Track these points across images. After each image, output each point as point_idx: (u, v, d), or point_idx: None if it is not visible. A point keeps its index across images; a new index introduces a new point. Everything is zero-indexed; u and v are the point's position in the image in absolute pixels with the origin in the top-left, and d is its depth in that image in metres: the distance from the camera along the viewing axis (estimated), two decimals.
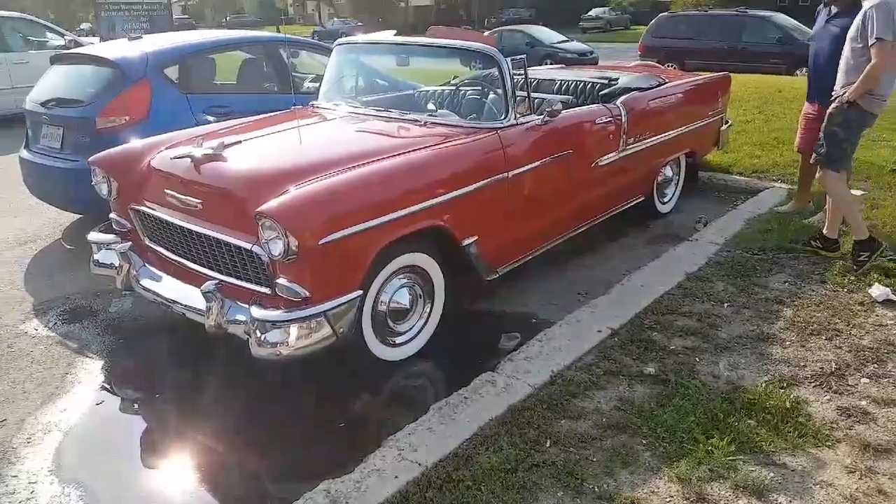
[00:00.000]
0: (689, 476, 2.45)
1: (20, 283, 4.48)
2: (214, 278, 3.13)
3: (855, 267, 4.06)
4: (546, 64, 12.92)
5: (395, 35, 4.25)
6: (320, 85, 4.52)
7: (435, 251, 3.36)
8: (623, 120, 4.41)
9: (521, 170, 3.66)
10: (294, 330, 2.82)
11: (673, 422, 2.75)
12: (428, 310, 3.44)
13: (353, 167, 3.12)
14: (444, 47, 3.95)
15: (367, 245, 2.98)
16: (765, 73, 11.23)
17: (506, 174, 3.59)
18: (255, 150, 3.42)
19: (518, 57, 3.77)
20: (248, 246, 2.94)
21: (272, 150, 3.49)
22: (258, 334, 2.84)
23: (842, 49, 4.05)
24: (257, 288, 3.03)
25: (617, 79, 5.03)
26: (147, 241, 3.59)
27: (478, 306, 3.94)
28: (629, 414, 2.82)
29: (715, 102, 5.57)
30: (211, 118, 4.87)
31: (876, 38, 3.76)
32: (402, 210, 3.07)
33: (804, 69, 12.37)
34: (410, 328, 3.39)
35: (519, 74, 3.76)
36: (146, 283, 3.42)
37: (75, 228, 5.45)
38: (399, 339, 3.34)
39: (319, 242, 2.80)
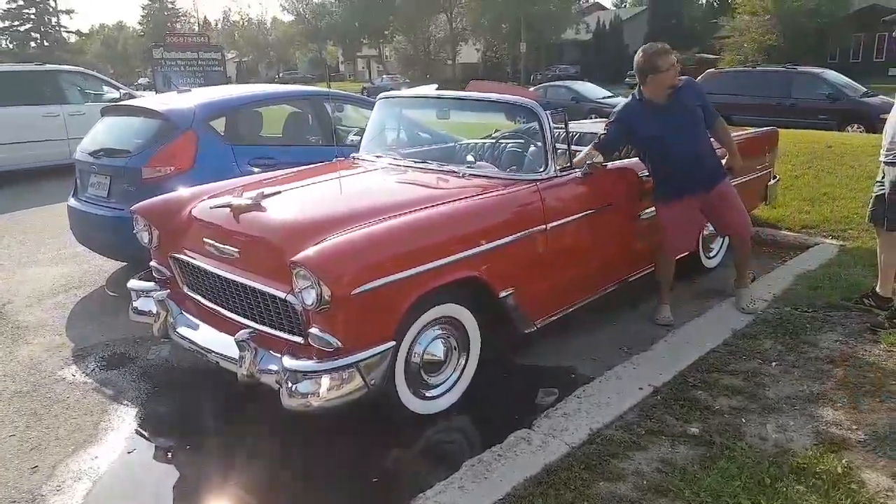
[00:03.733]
0: None
1: (61, 328, 4.56)
2: (249, 327, 3.12)
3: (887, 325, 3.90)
4: (591, 118, 12.95)
5: (436, 89, 4.29)
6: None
7: (471, 302, 3.30)
8: None
9: (559, 222, 3.61)
10: (325, 381, 2.78)
11: (717, 486, 2.60)
12: (463, 362, 3.36)
13: (390, 217, 3.11)
14: (484, 101, 3.97)
15: (401, 295, 2.94)
16: (815, 130, 11.04)
17: (544, 226, 3.53)
18: (293, 200, 3.45)
19: (558, 109, 3.76)
20: (282, 295, 2.93)
21: (310, 200, 3.52)
22: (289, 385, 2.80)
23: None
24: (290, 337, 3.01)
25: None
26: (186, 289, 3.62)
27: (514, 360, 3.84)
28: (671, 477, 2.68)
29: (762, 157, 5.47)
30: (255, 169, 4.97)
31: None
32: (438, 261, 3.03)
33: (855, 125, 12.11)
34: (444, 381, 3.31)
35: (559, 127, 3.74)
36: (182, 330, 3.43)
37: (119, 276, 5.56)
38: (432, 393, 3.26)
39: (352, 292, 2.77)
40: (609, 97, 19.99)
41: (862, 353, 3.65)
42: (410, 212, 3.18)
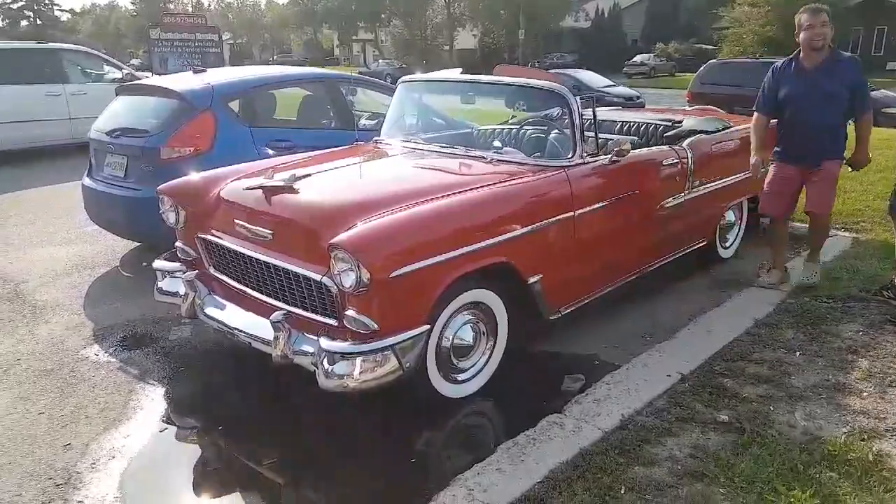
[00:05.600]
0: None
1: (79, 308, 4.54)
2: (280, 308, 3.12)
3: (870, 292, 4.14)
4: None
5: (461, 73, 4.28)
6: (378, 121, 4.56)
7: (499, 288, 3.31)
8: (689, 162, 4.36)
9: (587, 209, 3.62)
10: (361, 362, 2.79)
11: (751, 472, 2.64)
12: (490, 347, 3.37)
13: (424, 202, 3.11)
14: (513, 85, 3.96)
15: (435, 279, 2.95)
16: None
17: (572, 213, 3.54)
18: (325, 183, 3.45)
19: (588, 96, 3.76)
20: (317, 277, 2.93)
21: (343, 183, 3.51)
22: (326, 366, 2.81)
23: None
24: (324, 319, 3.01)
25: (681, 121, 4.99)
26: (212, 270, 3.61)
27: (538, 347, 3.86)
28: (705, 462, 2.71)
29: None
30: (272, 151, 4.95)
31: None
32: (471, 245, 3.04)
33: None
34: (473, 365, 3.32)
35: (587, 114, 3.74)
36: (211, 311, 3.43)
37: (132, 256, 5.54)
38: (461, 377, 3.28)
39: (391, 275, 2.78)
40: (610, 86, 19.95)
41: (885, 344, 3.68)
42: (443, 196, 3.18)
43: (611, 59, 43.31)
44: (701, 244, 4.82)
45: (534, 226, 3.34)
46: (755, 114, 4.41)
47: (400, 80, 4.55)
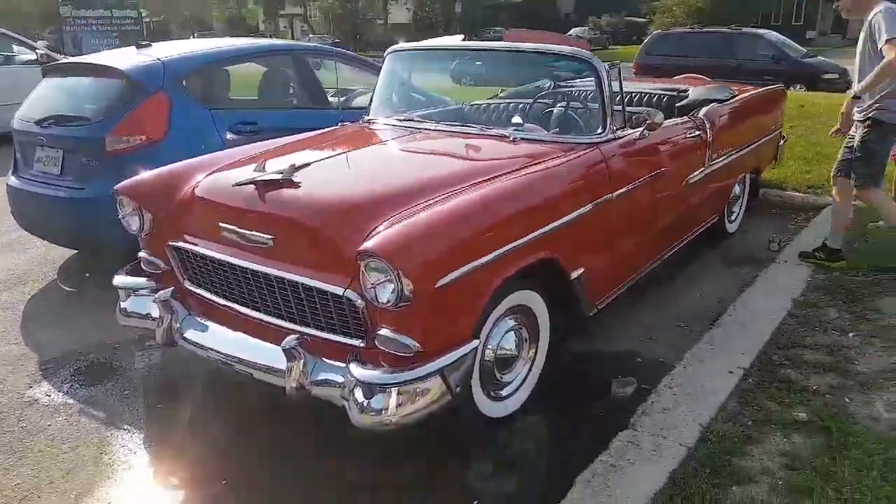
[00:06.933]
0: None
1: (16, 335, 3.80)
2: (284, 328, 2.59)
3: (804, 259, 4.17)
4: None
5: (462, 40, 3.76)
6: (344, 98, 3.96)
7: (541, 288, 2.86)
8: (708, 134, 4.00)
9: (623, 190, 3.20)
10: (405, 392, 2.30)
11: (855, 479, 2.34)
12: (532, 355, 2.93)
13: (453, 193, 2.61)
14: (533, 52, 3.47)
15: (482, 285, 2.48)
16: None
17: (610, 195, 3.12)
18: (331, 174, 2.89)
19: (614, 63, 3.32)
20: (338, 291, 2.40)
21: (352, 174, 2.96)
22: (360, 399, 2.30)
23: None
24: (345, 340, 2.49)
25: (686, 90, 4.62)
26: (188, 285, 3.01)
27: (572, 348, 3.44)
28: (803, 473, 2.40)
29: (777, 115, 5.24)
30: (231, 136, 4.32)
31: (886, 40, 3.54)
32: (516, 241, 2.57)
33: (798, 85, 12.25)
34: (515, 377, 2.87)
35: (615, 84, 3.30)
36: (194, 336, 2.84)
37: (71, 265, 4.80)
38: (505, 392, 2.83)
39: (436, 285, 2.28)
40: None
41: None
42: (474, 185, 2.70)
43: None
44: (714, 220, 4.51)
45: (575, 213, 2.90)
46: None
47: (389, 50, 3.97)
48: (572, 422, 2.87)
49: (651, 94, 4.71)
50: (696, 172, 3.93)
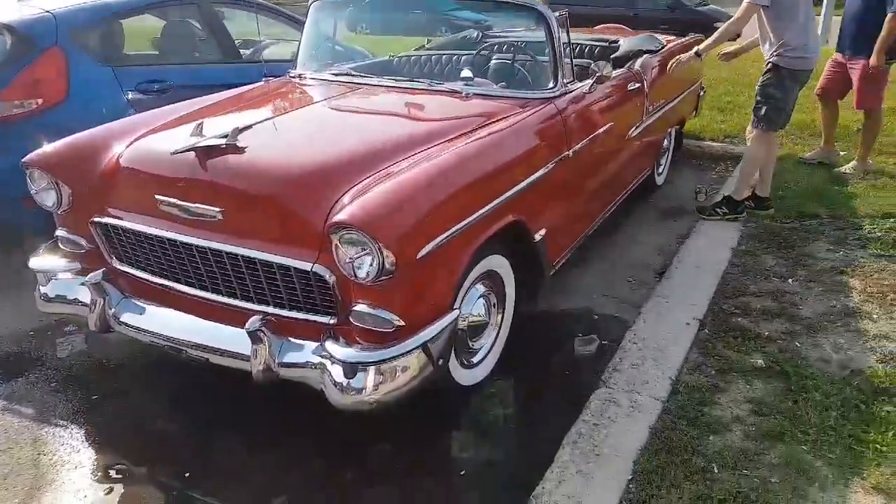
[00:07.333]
0: (886, 484, 2.16)
1: None
2: (234, 307, 2.39)
3: (704, 212, 4.31)
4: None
5: None
6: (251, 51, 3.69)
7: (507, 252, 2.77)
8: (645, 86, 4.00)
9: (578, 146, 3.13)
10: (387, 369, 2.16)
11: (819, 420, 2.47)
12: (499, 320, 2.85)
13: (417, 155, 2.46)
14: (481, 1, 3.29)
15: (460, 252, 2.37)
16: None
17: (568, 152, 3.05)
18: (278, 137, 2.64)
19: (560, 13, 3.20)
20: (305, 266, 2.20)
21: (301, 137, 2.70)
22: (339, 379, 2.15)
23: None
24: (314, 318, 2.31)
25: (616, 41, 4.59)
26: (116, 264, 2.70)
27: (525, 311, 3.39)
28: (771, 419, 2.49)
29: (700, 65, 5.31)
30: (142, 96, 3.91)
31: None
32: (490, 204, 2.47)
33: (691, 35, 12.68)
34: (484, 344, 2.79)
35: (563, 35, 3.20)
36: (132, 319, 2.56)
37: None
38: (475, 359, 2.74)
39: (418, 255, 2.14)
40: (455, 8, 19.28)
41: (861, 261, 3.67)
42: (438, 146, 2.55)
43: None
44: (647, 173, 4.56)
45: (540, 172, 2.82)
46: None
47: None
48: (543, 384, 2.85)
49: (582, 45, 4.64)
50: (637, 125, 3.93)
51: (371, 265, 2.08)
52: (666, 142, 4.93)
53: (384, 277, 2.09)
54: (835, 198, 4.52)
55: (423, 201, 2.23)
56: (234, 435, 2.54)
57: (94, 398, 2.77)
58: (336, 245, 2.11)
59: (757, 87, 4.10)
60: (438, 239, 2.21)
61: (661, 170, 5.04)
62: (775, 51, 3.92)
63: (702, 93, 5.61)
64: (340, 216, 2.09)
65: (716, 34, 4.15)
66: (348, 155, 2.45)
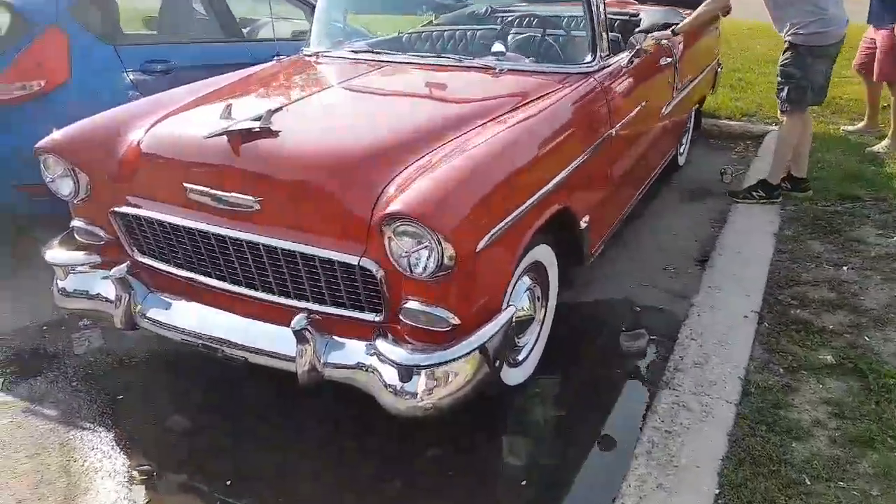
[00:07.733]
0: None
1: None
2: (271, 302, 2.23)
3: (738, 195, 4.16)
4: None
5: None
6: (248, 29, 3.54)
7: (552, 241, 2.60)
8: (675, 61, 3.81)
9: (620, 124, 2.95)
10: (444, 371, 2.00)
11: None
12: (543, 315, 2.69)
13: (462, 138, 2.28)
14: None
15: (513, 244, 2.20)
16: None
17: (611, 131, 2.87)
18: (313, 120, 2.45)
19: None
20: (351, 260, 2.03)
21: (338, 119, 2.50)
22: (393, 382, 1.98)
23: None
24: (359, 315, 2.13)
25: (636, 14, 4.38)
26: (139, 256, 2.51)
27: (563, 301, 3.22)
28: (856, 421, 2.31)
29: (718, 40, 5.12)
30: (147, 77, 3.71)
31: None
32: (541, 190, 2.29)
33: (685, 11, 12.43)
34: (528, 340, 2.62)
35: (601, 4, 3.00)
36: (161, 316, 2.40)
37: None
38: (521, 357, 2.58)
39: (478, 248, 1.97)
40: None
41: None
42: (482, 126, 2.36)
43: None
44: (673, 153, 4.39)
45: (584, 155, 2.64)
46: None
47: None
48: (591, 384, 2.67)
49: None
50: (669, 102, 3.75)
51: (429, 259, 1.91)
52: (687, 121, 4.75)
53: (442, 273, 1.92)
54: (873, 178, 4.35)
55: (479, 189, 2.05)
56: (272, 438, 2.37)
57: (119, 398, 2.60)
58: (389, 237, 1.93)
59: (778, 69, 3.94)
60: (495, 229, 2.04)
61: (681, 149, 4.86)
62: (789, 30, 3.78)
63: (719, 69, 5.40)
64: (395, 206, 1.90)
65: (695, 12, 3.91)
66: (391, 139, 2.26)
